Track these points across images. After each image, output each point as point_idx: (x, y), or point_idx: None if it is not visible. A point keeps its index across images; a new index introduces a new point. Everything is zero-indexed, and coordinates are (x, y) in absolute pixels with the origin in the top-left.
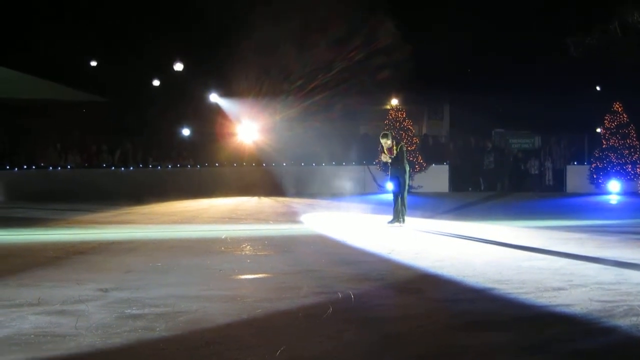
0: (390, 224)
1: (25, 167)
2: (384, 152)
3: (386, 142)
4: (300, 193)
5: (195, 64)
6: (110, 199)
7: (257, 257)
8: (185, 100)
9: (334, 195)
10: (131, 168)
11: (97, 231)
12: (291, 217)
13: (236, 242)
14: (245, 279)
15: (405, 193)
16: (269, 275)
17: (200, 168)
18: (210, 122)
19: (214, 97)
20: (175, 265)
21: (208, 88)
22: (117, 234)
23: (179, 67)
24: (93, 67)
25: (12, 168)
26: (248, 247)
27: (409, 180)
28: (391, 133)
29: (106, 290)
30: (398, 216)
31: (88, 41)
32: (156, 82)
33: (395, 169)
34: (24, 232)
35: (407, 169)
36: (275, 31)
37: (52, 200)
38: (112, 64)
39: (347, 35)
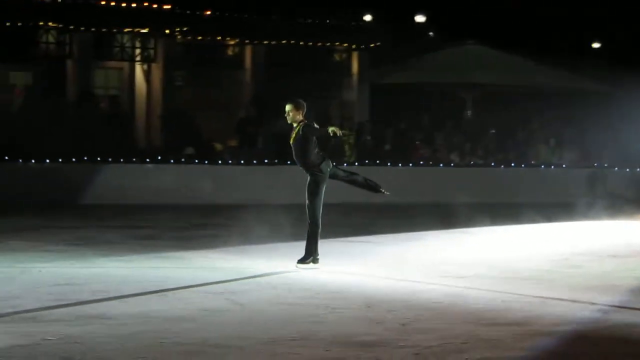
0: (300, 263)
1: (513, 165)
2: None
3: (289, 113)
4: None
5: None
6: None
7: None
8: None
9: None
10: None
11: None
12: None
13: None
14: None
15: (316, 209)
16: None
17: None
18: None
19: None
20: None
21: None
22: None
23: None
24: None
25: (497, 165)
26: None
27: (322, 190)
28: (299, 100)
29: None
30: (311, 250)
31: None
32: None
33: (300, 163)
34: None
35: (321, 170)
36: None
37: None
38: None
39: None
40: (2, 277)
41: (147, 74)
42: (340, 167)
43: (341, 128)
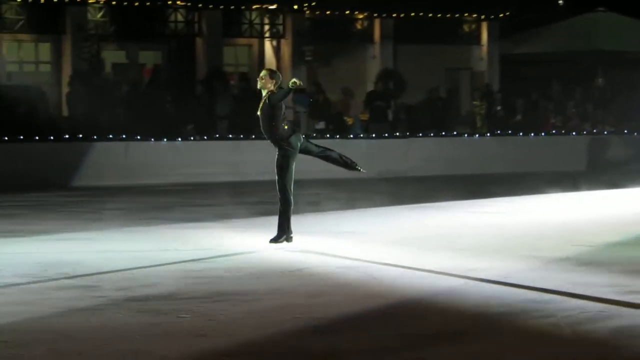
0: (273, 242)
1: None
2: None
3: (262, 78)
4: None
5: None
6: None
7: None
8: None
9: None
10: None
11: None
12: None
13: None
14: None
15: (286, 185)
16: None
17: None
18: None
19: None
20: None
21: None
22: None
23: None
24: None
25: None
26: None
27: (292, 165)
28: (280, 76)
29: None
30: (283, 228)
31: None
32: None
33: (268, 135)
34: None
35: (290, 144)
36: None
37: None
38: None
39: None
40: (140, 257)
41: (276, 50)
42: (313, 142)
43: (473, 99)
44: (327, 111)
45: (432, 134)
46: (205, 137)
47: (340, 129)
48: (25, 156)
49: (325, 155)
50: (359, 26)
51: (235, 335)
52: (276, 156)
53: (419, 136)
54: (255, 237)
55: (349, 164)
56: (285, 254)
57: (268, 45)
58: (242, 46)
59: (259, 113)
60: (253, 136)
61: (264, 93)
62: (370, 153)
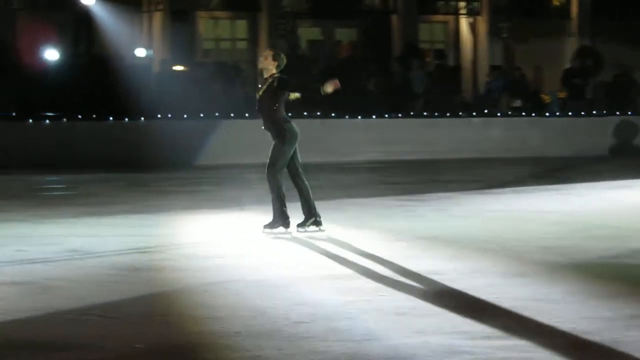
0: (267, 230)
1: None
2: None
3: (266, 57)
4: None
5: None
6: None
7: None
8: None
9: None
10: None
11: None
12: None
13: None
14: None
15: (279, 171)
16: None
17: None
18: None
19: None
20: None
21: None
22: None
23: None
24: None
25: None
26: None
27: (290, 151)
28: (281, 53)
29: None
30: (281, 214)
31: None
32: None
33: (269, 119)
34: None
35: (291, 129)
36: None
37: None
38: None
39: None
40: (330, 234)
41: (472, 27)
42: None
43: None
44: (524, 89)
45: (629, 112)
46: (400, 115)
47: (537, 107)
48: (222, 132)
49: (297, 177)
50: (556, 2)
51: (433, 313)
52: (274, 142)
53: (616, 114)
54: (456, 216)
55: (311, 209)
56: (486, 229)
57: (464, 23)
58: (438, 23)
59: (260, 94)
60: (448, 114)
61: (265, 74)
62: (565, 131)
